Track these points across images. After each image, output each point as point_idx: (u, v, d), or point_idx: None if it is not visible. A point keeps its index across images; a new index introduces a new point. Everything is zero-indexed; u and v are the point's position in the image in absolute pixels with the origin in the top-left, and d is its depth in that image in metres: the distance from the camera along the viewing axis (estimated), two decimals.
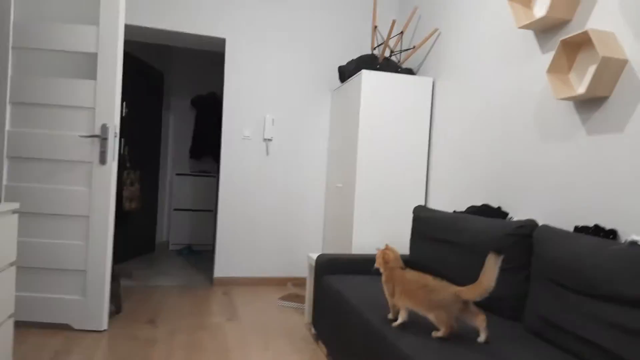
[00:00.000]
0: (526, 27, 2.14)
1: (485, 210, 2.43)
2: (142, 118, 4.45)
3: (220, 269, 3.70)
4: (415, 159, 3.17)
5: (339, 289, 2.18)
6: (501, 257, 1.42)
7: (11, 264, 1.82)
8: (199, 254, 4.93)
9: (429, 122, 3.19)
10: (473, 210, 2.49)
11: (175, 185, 5.09)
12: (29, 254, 2.48)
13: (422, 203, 3.21)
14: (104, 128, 2.47)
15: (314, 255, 2.77)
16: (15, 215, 1.81)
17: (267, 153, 3.80)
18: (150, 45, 5.03)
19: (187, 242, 5.10)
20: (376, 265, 1.83)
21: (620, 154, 1.71)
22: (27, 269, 2.49)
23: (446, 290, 1.55)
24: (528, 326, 1.68)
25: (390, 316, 1.76)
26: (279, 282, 3.81)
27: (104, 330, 2.52)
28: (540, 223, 2.08)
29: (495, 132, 2.46)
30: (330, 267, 2.46)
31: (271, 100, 3.78)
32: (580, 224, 1.87)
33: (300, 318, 2.99)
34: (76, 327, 2.50)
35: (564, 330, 1.49)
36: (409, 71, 3.37)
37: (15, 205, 1.80)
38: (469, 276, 1.97)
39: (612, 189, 1.73)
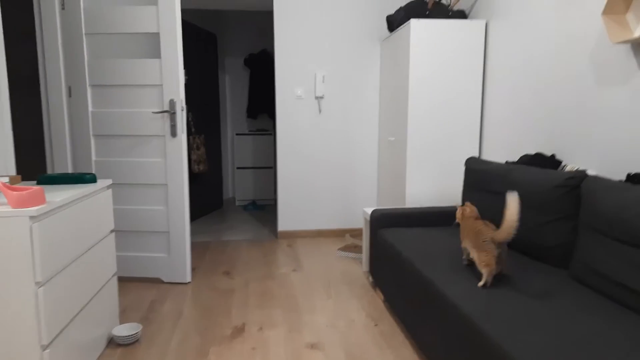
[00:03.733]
0: None
1: (538, 160, 2.43)
2: (200, 82, 4.70)
3: (284, 223, 3.99)
4: (468, 108, 3.16)
5: (393, 242, 2.35)
6: (516, 194, 1.60)
7: (111, 231, 2.15)
8: (263, 208, 5.28)
9: (482, 68, 3.13)
10: (526, 159, 2.50)
11: (236, 145, 5.39)
12: (122, 219, 2.86)
13: (476, 154, 3.23)
14: (172, 103, 2.71)
15: (369, 210, 2.94)
16: (110, 190, 2.12)
17: (320, 111, 3.92)
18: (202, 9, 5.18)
19: (252, 197, 5.46)
20: (457, 220, 2.06)
21: None
22: (122, 232, 2.88)
23: (488, 232, 1.71)
24: (573, 274, 1.76)
25: (463, 259, 1.98)
26: (338, 234, 4.06)
27: (189, 282, 2.90)
28: (594, 170, 2.09)
29: (550, 77, 2.41)
30: (384, 221, 2.63)
31: (321, 55, 3.84)
32: (634, 170, 1.86)
33: (359, 267, 3.23)
34: (165, 280, 2.90)
35: (607, 277, 1.57)
36: (461, 14, 3.26)
37: (109, 182, 2.10)
38: (524, 228, 2.05)
39: None
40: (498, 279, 1.73)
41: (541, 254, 1.98)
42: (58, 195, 1.70)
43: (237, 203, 5.47)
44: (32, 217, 1.46)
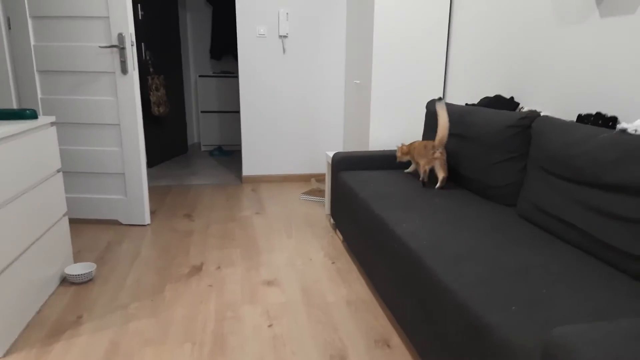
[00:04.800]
0: None
1: (497, 101, 2.44)
2: (159, 19, 4.43)
3: (248, 167, 3.95)
4: (434, 52, 3.10)
5: (351, 184, 2.36)
6: (443, 100, 2.04)
7: (57, 171, 2.06)
8: (230, 154, 5.20)
9: (448, 13, 3.05)
10: (485, 102, 2.51)
11: (199, 87, 5.20)
12: (74, 160, 2.75)
13: (440, 97, 3.21)
14: (121, 37, 2.54)
15: (331, 154, 2.92)
16: (54, 128, 2.01)
17: (284, 51, 3.78)
18: None
19: (218, 143, 5.36)
20: (398, 159, 2.51)
21: (629, 39, 1.66)
22: (76, 174, 2.78)
23: (430, 143, 2.22)
24: (520, 211, 1.82)
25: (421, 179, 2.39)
26: (304, 179, 4.06)
27: (147, 224, 2.87)
28: (549, 111, 2.11)
29: (514, 21, 2.37)
30: (345, 164, 2.62)
31: None
32: (585, 111, 1.89)
33: (322, 210, 3.26)
34: (123, 222, 2.86)
35: (550, 214, 1.62)
36: None
37: (52, 118, 1.98)
38: (477, 168, 2.09)
39: (617, 76, 1.72)
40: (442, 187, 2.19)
41: (491, 193, 2.03)
42: None
43: (202, 148, 5.36)
44: None
